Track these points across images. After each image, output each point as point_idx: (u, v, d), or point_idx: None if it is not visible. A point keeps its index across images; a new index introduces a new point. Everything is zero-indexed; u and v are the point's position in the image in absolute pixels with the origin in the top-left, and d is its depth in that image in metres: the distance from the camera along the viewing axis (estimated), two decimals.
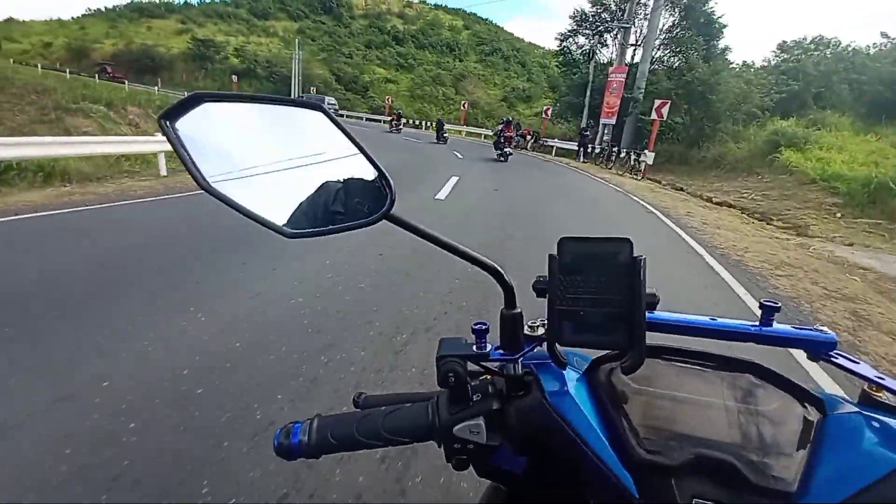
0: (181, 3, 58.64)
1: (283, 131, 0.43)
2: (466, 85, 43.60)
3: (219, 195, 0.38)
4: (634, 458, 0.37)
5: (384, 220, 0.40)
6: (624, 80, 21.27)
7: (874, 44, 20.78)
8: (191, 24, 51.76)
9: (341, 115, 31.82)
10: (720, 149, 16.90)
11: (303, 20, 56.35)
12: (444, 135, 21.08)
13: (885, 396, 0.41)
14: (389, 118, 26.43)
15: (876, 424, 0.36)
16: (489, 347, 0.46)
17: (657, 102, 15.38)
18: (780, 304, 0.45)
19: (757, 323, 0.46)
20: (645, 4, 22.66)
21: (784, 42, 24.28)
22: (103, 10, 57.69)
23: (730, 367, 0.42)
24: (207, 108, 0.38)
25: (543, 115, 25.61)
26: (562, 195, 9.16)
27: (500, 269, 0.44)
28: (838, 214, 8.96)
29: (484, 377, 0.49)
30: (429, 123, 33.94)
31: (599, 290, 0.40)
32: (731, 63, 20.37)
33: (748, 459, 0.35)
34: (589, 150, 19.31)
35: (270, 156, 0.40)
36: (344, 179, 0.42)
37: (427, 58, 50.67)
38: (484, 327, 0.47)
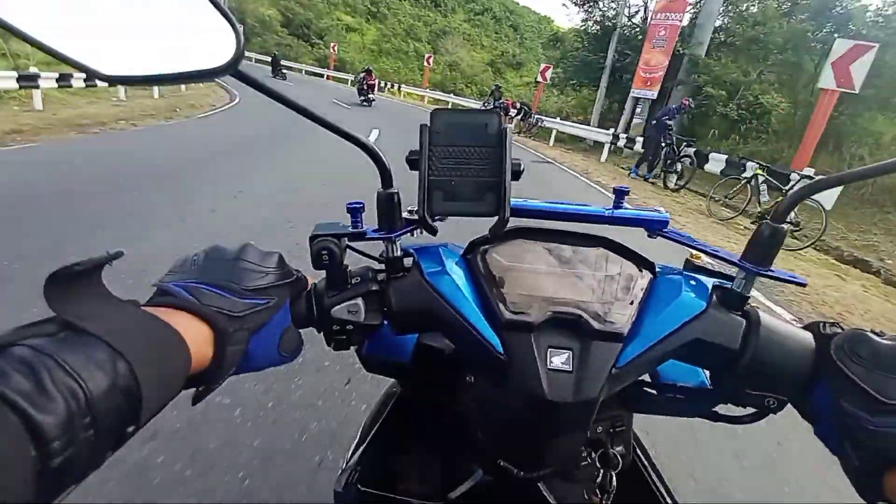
0: None
1: None
2: (447, 43, 33.51)
3: (5, 24, 0.28)
4: (501, 320, 0.40)
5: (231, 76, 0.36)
6: (680, 23, 10.61)
7: None
8: None
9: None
10: None
11: None
12: (283, 71, 19.56)
13: (703, 262, 0.48)
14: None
15: (692, 282, 0.43)
16: (366, 228, 0.45)
17: (842, 47, 4.87)
18: (629, 188, 0.52)
19: (610, 207, 0.51)
20: None
21: None
22: None
23: (586, 242, 0.45)
24: None
25: (539, 80, 15.12)
26: None
27: (377, 149, 0.42)
28: None
29: (363, 267, 0.48)
30: (389, 85, 23.94)
31: (469, 160, 0.41)
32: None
33: (594, 312, 0.40)
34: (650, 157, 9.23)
35: None
36: (186, 25, 0.35)
37: (405, 9, 38.93)
38: (359, 205, 0.45)
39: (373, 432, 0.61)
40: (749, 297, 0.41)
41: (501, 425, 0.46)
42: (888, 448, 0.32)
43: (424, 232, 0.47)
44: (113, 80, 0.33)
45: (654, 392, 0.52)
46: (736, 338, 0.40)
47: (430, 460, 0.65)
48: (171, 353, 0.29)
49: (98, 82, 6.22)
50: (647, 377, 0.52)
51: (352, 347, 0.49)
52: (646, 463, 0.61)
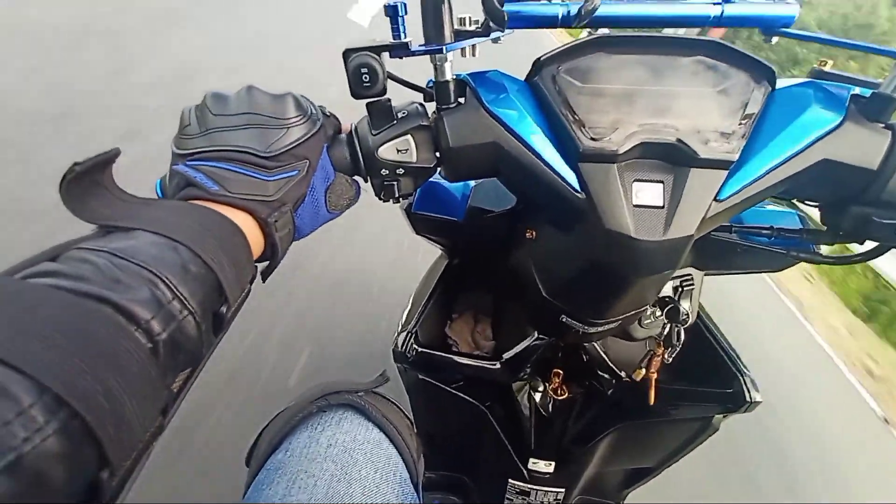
0: None
1: None
2: None
3: None
4: (578, 151, 0.33)
5: None
6: None
7: None
8: None
9: None
10: None
11: None
12: None
13: (836, 70, 0.38)
14: None
15: (821, 93, 0.34)
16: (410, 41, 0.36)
17: None
18: None
19: (718, 1, 0.38)
20: None
21: None
22: None
23: (682, 49, 0.35)
24: None
25: None
26: None
27: None
28: None
29: (407, 101, 0.39)
30: None
31: None
32: None
33: (693, 135, 0.33)
34: None
35: None
36: None
37: None
38: (398, 3, 0.33)
39: (424, 299, 0.58)
40: None
41: (569, 278, 0.41)
42: None
43: (476, 54, 0.38)
44: None
45: (736, 239, 0.44)
46: (876, 155, 0.31)
47: (481, 325, 0.63)
48: (227, 235, 0.27)
49: None
50: (735, 224, 0.45)
51: (401, 204, 0.42)
52: (709, 324, 0.56)
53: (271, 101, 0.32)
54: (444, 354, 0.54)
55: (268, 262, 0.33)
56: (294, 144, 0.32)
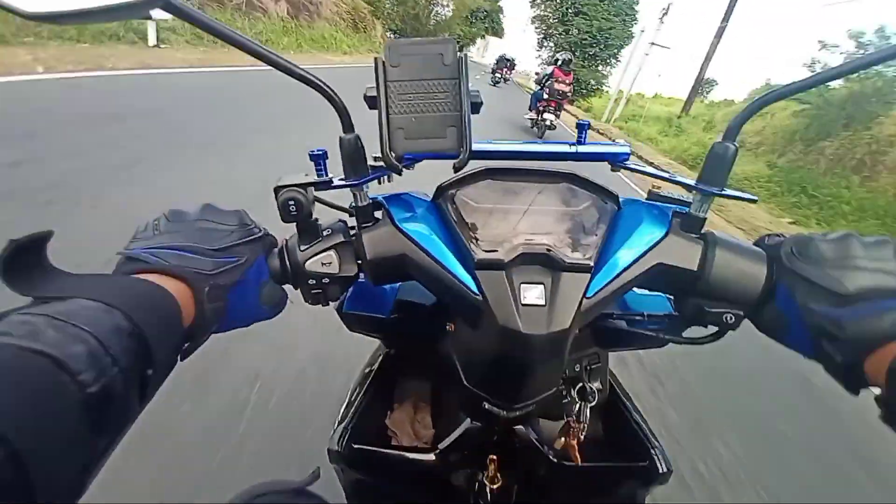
0: None
1: None
2: None
3: None
4: (473, 260, 0.38)
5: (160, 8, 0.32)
6: None
7: None
8: None
9: None
10: None
11: None
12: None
13: (665, 190, 0.46)
14: None
15: (654, 210, 0.43)
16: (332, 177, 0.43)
17: None
18: (589, 122, 0.50)
19: (574, 141, 0.51)
20: None
21: None
22: None
23: (551, 179, 0.44)
24: None
25: None
26: None
27: (333, 91, 0.37)
28: None
29: (335, 220, 0.46)
30: None
31: (430, 94, 0.38)
32: None
33: (562, 246, 0.39)
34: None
35: None
36: None
37: None
38: (321, 152, 0.42)
39: (362, 391, 0.58)
40: (706, 219, 0.41)
41: (483, 367, 0.45)
42: (862, 334, 0.31)
43: (393, 180, 0.45)
44: (37, 18, 0.28)
45: (624, 324, 0.52)
46: (695, 259, 0.40)
47: (420, 415, 0.64)
48: (159, 301, 0.29)
49: None
50: (617, 311, 0.53)
51: (331, 304, 0.47)
52: (623, 399, 0.61)
53: (221, 214, 0.39)
54: (379, 450, 0.54)
55: (189, 343, 0.34)
56: (235, 243, 0.37)
